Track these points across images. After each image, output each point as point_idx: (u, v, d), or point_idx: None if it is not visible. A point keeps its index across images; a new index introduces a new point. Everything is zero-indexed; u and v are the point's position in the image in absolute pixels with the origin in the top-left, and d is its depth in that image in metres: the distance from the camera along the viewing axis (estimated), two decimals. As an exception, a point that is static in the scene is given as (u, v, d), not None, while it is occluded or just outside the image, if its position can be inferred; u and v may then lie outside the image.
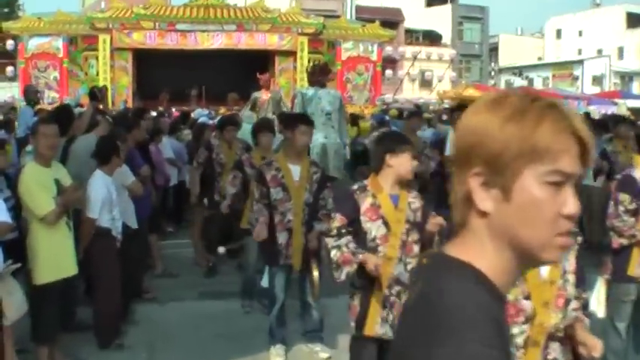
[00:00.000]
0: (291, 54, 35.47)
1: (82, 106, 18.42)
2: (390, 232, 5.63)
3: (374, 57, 37.06)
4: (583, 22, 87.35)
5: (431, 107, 35.36)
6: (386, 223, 5.64)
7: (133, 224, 8.52)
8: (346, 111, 20.99)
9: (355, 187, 5.81)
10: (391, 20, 43.70)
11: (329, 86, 19.67)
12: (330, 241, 5.61)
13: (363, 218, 5.65)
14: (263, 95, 22.69)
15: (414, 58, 46.74)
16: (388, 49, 43.16)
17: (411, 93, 51.68)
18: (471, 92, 34.54)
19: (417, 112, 13.75)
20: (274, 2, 37.94)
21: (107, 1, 42.73)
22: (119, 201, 7.70)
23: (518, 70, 77.66)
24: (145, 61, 34.07)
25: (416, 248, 5.76)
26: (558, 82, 75.80)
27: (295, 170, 7.27)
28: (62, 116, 9.07)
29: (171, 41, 33.54)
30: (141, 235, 9.02)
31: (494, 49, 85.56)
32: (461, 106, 11.58)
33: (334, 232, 5.61)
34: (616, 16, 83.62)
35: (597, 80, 75.45)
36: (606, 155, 11.80)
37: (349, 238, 5.60)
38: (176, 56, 33.75)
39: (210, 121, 17.33)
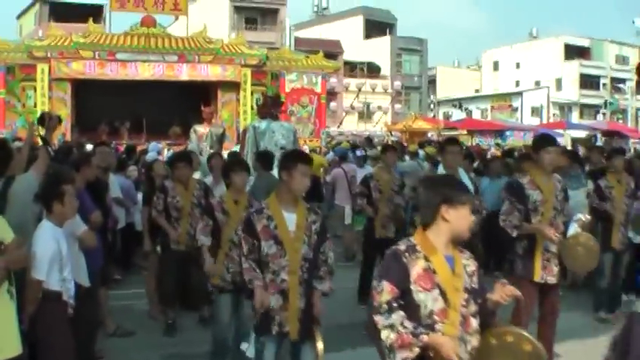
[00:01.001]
0: (234, 86, 34.76)
1: (19, 139, 17.06)
2: (449, 305, 4.40)
3: (318, 89, 36.71)
4: (520, 54, 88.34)
5: (376, 140, 34.55)
6: (443, 294, 4.40)
7: (85, 282, 7.14)
8: (300, 145, 20.00)
9: (402, 246, 4.49)
10: (330, 52, 43.11)
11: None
12: (380, 320, 4.28)
13: (414, 287, 4.39)
14: (202, 128, 21.63)
15: (359, 90, 46.44)
16: (332, 81, 42.30)
17: (350, 125, 50.99)
18: (420, 124, 34.19)
19: (391, 146, 12.75)
20: (214, 34, 36.93)
21: (45, 28, 41.45)
22: (70, 256, 6.37)
23: (458, 102, 77.80)
24: (84, 92, 33.08)
25: (475, 323, 4.50)
26: (497, 114, 76.84)
27: (290, 219, 6.03)
28: (-4, 153, 7.31)
29: (111, 71, 32.55)
30: (92, 291, 7.62)
31: (432, 81, 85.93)
32: (450, 139, 10.44)
33: (384, 307, 4.31)
34: (554, 47, 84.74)
35: (536, 111, 76.40)
36: (600, 190, 10.81)
37: (402, 314, 4.30)
38: (116, 87, 32.71)
39: (159, 156, 16.01)
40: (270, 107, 18.33)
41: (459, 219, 4.44)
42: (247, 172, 8.41)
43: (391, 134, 36.77)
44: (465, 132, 41.01)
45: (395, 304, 4.31)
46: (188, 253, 9.52)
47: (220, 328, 8.06)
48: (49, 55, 32.11)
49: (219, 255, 7.95)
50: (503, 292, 4.56)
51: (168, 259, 9.93)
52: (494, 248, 11.85)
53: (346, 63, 65.51)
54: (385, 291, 4.34)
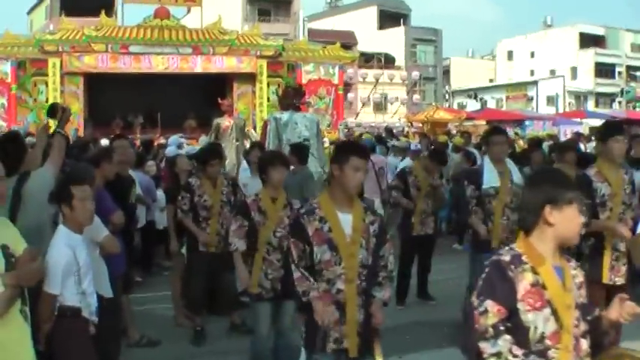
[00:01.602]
0: (249, 78, 33.92)
1: (31, 135, 16.35)
2: (562, 326, 3.61)
3: (335, 80, 35.89)
4: (534, 43, 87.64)
5: (395, 130, 33.82)
6: (555, 313, 3.61)
7: (108, 292, 6.35)
8: (323, 136, 19.29)
9: (506, 257, 3.66)
10: (345, 43, 42.41)
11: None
12: (486, 348, 3.51)
13: (522, 306, 3.59)
14: (225, 121, 21.00)
15: (377, 81, 45.61)
16: (349, 72, 41.52)
17: (367, 117, 50.19)
18: (441, 115, 33.36)
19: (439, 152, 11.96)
20: (227, 26, 36.15)
21: (56, 22, 40.74)
22: (90, 266, 5.58)
23: (474, 93, 77.26)
24: (97, 86, 32.27)
25: (585, 345, 3.73)
26: (512, 104, 76.28)
27: (346, 220, 5.23)
28: (8, 149, 6.30)
29: (124, 64, 31.70)
30: (115, 300, 6.82)
31: (446, 72, 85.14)
32: (495, 129, 9.55)
33: (490, 331, 3.54)
34: (569, 36, 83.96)
35: (551, 100, 75.78)
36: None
37: (510, 338, 3.56)
38: (129, 80, 31.88)
39: (179, 151, 15.23)
40: (292, 98, 17.70)
41: (565, 221, 3.65)
42: (287, 167, 7.65)
43: (412, 125, 35.87)
44: (484, 122, 40.16)
45: (502, 328, 3.55)
46: (218, 255, 8.82)
47: (259, 340, 7.32)
48: (60, 49, 31.29)
49: (255, 259, 7.21)
50: (623, 309, 3.79)
51: (196, 262, 9.16)
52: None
53: (361, 54, 64.77)
54: (490, 312, 3.56)
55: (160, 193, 12.76)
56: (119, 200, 7.55)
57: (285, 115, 16.61)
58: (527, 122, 42.73)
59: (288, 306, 7.06)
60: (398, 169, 16.46)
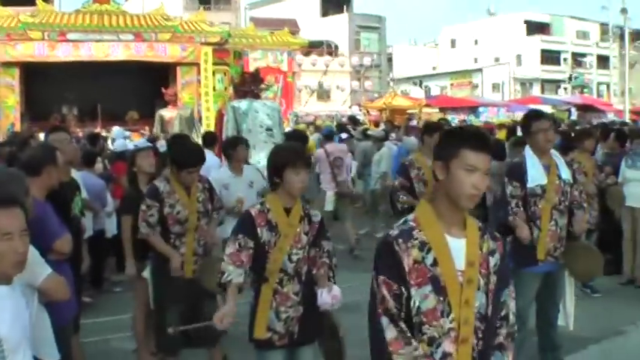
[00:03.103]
0: (194, 66, 32.00)
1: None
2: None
3: (284, 67, 34.49)
4: (478, 31, 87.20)
5: (343, 119, 32.58)
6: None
7: (52, 355, 4.45)
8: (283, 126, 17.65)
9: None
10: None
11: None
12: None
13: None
14: (169, 112, 19.51)
15: (327, 67, 44.28)
16: (299, 59, 40.08)
17: (310, 105, 48.77)
18: (400, 101, 32.14)
19: (436, 126, 9.96)
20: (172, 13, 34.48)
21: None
22: (23, 334, 3.65)
23: (419, 80, 76.86)
24: (34, 77, 30.52)
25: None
26: (457, 91, 76.81)
27: (457, 248, 3.29)
28: None
29: (62, 53, 29.67)
30: (64, 350, 4.95)
31: (389, 60, 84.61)
32: (534, 113, 7.80)
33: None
34: (514, 24, 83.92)
35: (497, 87, 76.39)
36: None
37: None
38: (68, 71, 30.13)
39: (129, 145, 13.36)
40: (250, 85, 16.14)
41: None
42: (309, 168, 5.71)
43: (368, 113, 34.50)
44: (437, 110, 39.40)
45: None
46: (195, 281, 6.81)
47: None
48: None
49: (263, 293, 5.26)
50: None
51: (168, 290, 6.92)
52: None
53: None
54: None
55: (108, 197, 10.92)
56: (60, 214, 5.64)
57: (243, 104, 15.15)
58: (481, 109, 41.85)
59: (306, 355, 5.39)
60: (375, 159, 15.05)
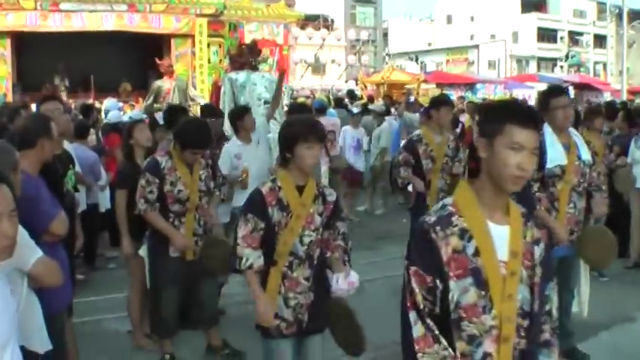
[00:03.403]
0: (188, 38, 31.79)
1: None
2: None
3: (280, 40, 34.03)
4: (475, 7, 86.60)
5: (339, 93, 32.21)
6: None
7: (43, 344, 4.03)
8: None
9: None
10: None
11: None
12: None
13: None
14: (167, 83, 19.12)
15: (324, 40, 43.83)
16: (295, 32, 39.65)
17: (305, 79, 48.37)
18: (398, 76, 31.74)
19: (445, 100, 9.48)
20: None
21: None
22: (10, 329, 3.26)
23: (415, 56, 76.38)
24: (26, 48, 30.14)
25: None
26: (452, 67, 76.50)
27: (500, 235, 2.84)
28: None
29: (54, 23, 29.21)
30: (56, 351, 4.53)
31: (384, 35, 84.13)
32: (554, 89, 7.47)
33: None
34: (510, 1, 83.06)
35: (493, 65, 76.24)
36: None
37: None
38: (61, 41, 29.61)
39: (124, 117, 12.95)
40: (248, 56, 15.73)
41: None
42: (323, 143, 5.28)
43: (365, 87, 34.08)
44: (434, 85, 39.03)
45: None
46: (194, 262, 6.52)
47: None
48: None
49: (270, 277, 4.85)
50: None
51: (166, 271, 6.59)
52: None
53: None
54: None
55: (102, 170, 10.55)
56: (52, 189, 5.24)
57: (241, 76, 14.76)
58: (478, 86, 41.49)
59: (315, 344, 5.03)
60: (375, 134, 14.66)
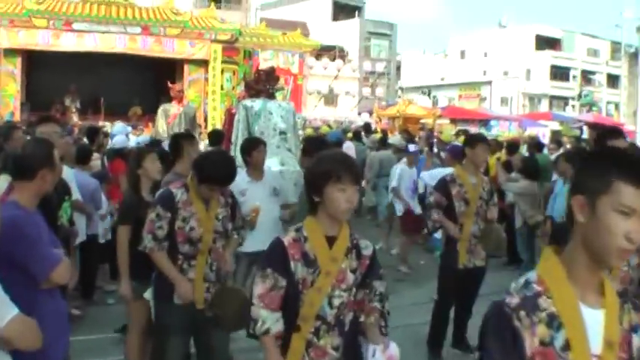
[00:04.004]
0: (202, 63, 31.67)
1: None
2: None
3: (295, 69, 33.54)
4: (488, 43, 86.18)
5: (352, 125, 31.72)
6: None
7: None
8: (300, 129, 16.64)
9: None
10: (297, 34, 40.53)
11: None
12: None
13: None
14: (173, 108, 18.53)
15: (339, 71, 43.42)
16: (310, 62, 39.24)
17: (317, 110, 47.89)
18: (413, 110, 31.21)
19: (480, 138, 8.65)
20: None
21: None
22: None
23: (427, 90, 76.02)
24: (37, 66, 30.11)
25: None
26: (465, 103, 75.69)
27: (594, 322, 2.18)
28: None
29: (66, 43, 29.17)
30: None
31: (397, 68, 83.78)
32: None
33: None
34: (524, 37, 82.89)
35: (505, 101, 75.69)
36: None
37: None
38: (72, 61, 29.66)
39: (130, 142, 12.29)
40: (265, 83, 15.09)
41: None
42: (359, 183, 4.26)
43: (380, 120, 33.51)
44: (448, 120, 38.45)
45: None
46: (203, 311, 5.66)
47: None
48: None
49: (293, 346, 4.02)
50: None
51: (172, 319, 5.70)
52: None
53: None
54: None
55: (103, 198, 9.83)
56: (47, 224, 4.51)
57: (257, 103, 14.09)
58: (492, 122, 40.90)
59: None
60: (397, 171, 13.56)
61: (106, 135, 15.62)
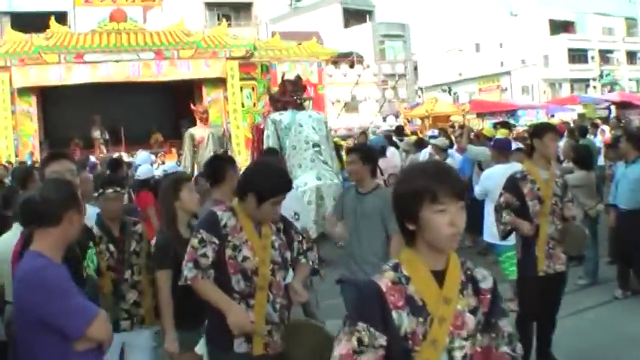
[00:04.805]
0: (220, 82, 31.16)
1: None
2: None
3: (314, 79, 32.90)
4: (502, 33, 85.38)
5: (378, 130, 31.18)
6: None
7: None
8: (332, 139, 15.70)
9: None
10: (311, 44, 40.12)
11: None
12: None
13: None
14: (200, 131, 17.78)
15: (359, 76, 42.81)
16: (329, 70, 38.58)
17: (340, 118, 47.35)
18: (442, 107, 30.80)
19: (550, 127, 7.61)
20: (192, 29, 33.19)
21: (1, 33, 37.14)
22: None
23: (448, 87, 75.42)
24: (52, 103, 29.88)
25: None
26: (485, 95, 74.93)
27: None
28: None
29: (79, 75, 28.61)
30: None
31: (414, 68, 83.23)
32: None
33: None
34: (538, 23, 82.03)
35: (526, 90, 75.13)
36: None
37: None
38: (87, 93, 29.31)
39: (156, 171, 11.52)
40: (292, 93, 14.29)
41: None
42: (462, 201, 3.40)
43: (409, 121, 32.90)
44: (475, 115, 37.90)
45: None
46: (267, 357, 4.63)
47: None
48: (8, 62, 28.39)
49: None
50: None
51: None
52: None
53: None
54: None
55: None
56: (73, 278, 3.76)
57: (285, 117, 13.32)
58: (519, 112, 40.36)
59: None
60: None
61: (129, 166, 14.93)
